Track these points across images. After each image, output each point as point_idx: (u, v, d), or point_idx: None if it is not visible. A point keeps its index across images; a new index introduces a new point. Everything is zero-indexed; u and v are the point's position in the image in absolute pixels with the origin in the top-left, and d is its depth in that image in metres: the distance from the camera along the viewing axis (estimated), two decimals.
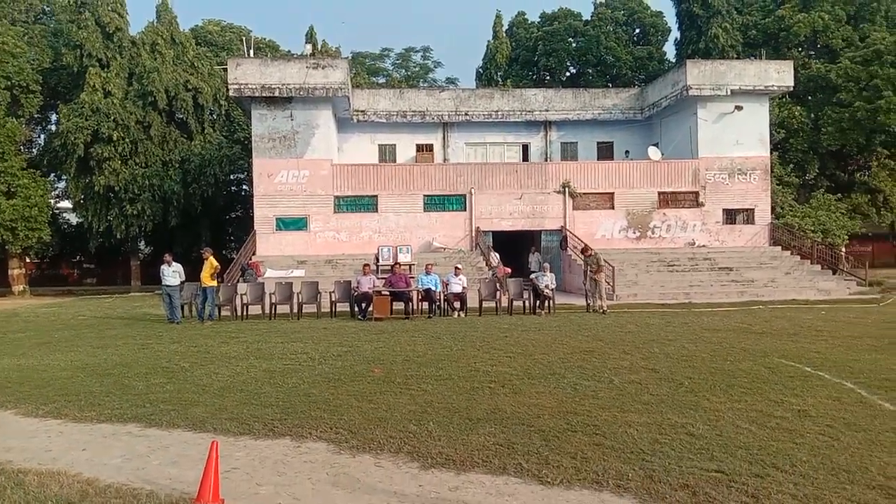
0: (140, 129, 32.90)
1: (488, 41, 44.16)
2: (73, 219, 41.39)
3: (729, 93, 27.38)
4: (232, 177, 38.07)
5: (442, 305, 18.01)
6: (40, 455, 6.08)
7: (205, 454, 5.78)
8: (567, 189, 27.48)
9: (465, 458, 5.68)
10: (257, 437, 6.52)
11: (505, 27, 45.03)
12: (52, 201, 36.53)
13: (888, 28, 34.34)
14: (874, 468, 5.27)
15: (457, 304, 17.73)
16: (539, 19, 44.62)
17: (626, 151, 30.53)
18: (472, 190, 27.22)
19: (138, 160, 33.06)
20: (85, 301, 26.99)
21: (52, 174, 37.43)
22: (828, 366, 9.51)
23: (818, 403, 7.34)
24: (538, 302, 18.04)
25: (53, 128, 38.72)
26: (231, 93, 26.66)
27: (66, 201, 39.99)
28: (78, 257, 43.33)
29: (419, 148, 31.11)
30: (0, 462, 5.83)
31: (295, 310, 18.05)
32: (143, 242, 40.71)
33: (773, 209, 28.98)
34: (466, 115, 30.76)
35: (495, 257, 23.90)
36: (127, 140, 32.33)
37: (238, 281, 21.78)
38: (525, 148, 31.81)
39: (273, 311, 17.97)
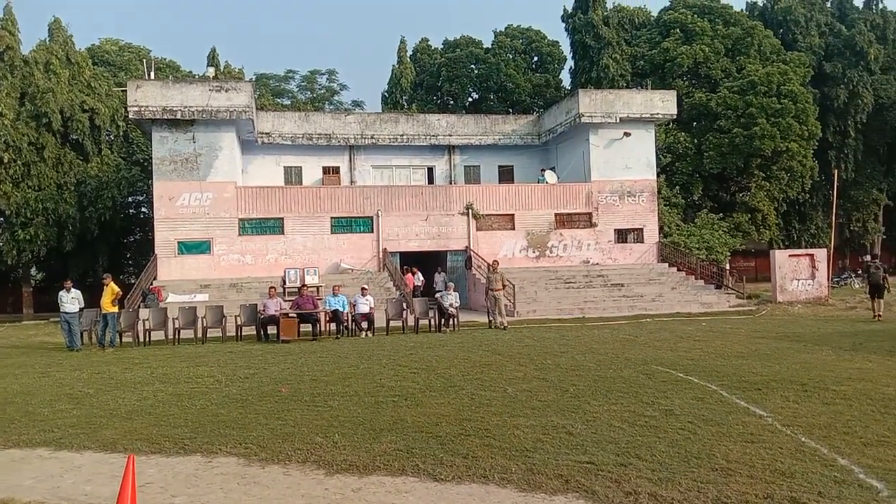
0: (33, 151, 31.70)
1: (393, 66, 45.14)
2: None
3: (618, 120, 29.17)
4: (131, 199, 37.12)
5: (350, 326, 18.42)
6: None
7: (117, 473, 6.08)
8: (470, 211, 28.47)
9: (368, 464, 6.22)
10: (168, 455, 6.82)
11: (409, 52, 46.14)
12: None
13: (761, 61, 37.44)
14: (719, 454, 6.16)
15: (364, 325, 18.19)
16: (442, 46, 45.92)
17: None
18: (379, 212, 27.76)
19: (31, 183, 31.80)
20: None
21: None
22: (698, 371, 10.58)
23: (683, 404, 8.29)
24: (443, 320, 18.74)
25: None
26: (131, 115, 26.24)
27: None
28: None
29: (325, 170, 31.42)
30: None
31: (199, 334, 18.00)
32: (34, 268, 38.91)
33: (660, 228, 30.93)
34: (372, 138, 31.35)
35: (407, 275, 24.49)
36: (19, 162, 31.11)
37: (139, 306, 21.43)
38: (430, 171, 32.69)
39: (177, 337, 17.85)
